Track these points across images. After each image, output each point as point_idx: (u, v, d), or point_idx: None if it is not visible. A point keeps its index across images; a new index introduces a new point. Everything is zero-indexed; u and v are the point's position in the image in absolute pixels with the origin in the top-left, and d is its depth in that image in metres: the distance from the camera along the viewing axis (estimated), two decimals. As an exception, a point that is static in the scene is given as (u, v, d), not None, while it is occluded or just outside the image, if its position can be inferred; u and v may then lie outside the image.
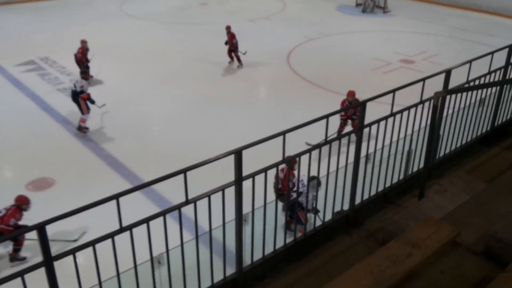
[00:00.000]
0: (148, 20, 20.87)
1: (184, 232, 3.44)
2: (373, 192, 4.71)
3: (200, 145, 10.08)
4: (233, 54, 15.37)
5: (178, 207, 3.27)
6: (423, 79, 4.51)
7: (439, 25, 20.46)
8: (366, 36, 18.88)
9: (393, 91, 4.25)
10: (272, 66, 15.71)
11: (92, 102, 11.22)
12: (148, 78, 14.32)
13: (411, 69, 15.14)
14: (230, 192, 3.48)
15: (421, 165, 4.77)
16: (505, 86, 5.64)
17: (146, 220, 3.18)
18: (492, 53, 5.36)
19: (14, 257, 7.20)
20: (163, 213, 3.23)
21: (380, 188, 4.77)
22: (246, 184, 3.53)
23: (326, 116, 3.79)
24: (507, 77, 5.58)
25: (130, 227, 3.09)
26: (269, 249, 4.04)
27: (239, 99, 12.98)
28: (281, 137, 3.58)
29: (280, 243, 4.07)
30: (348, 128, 10.39)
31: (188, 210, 3.35)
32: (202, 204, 3.39)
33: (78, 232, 7.21)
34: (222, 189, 3.45)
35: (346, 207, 4.51)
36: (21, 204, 7.22)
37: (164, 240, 3.34)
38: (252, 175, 3.55)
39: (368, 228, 4.47)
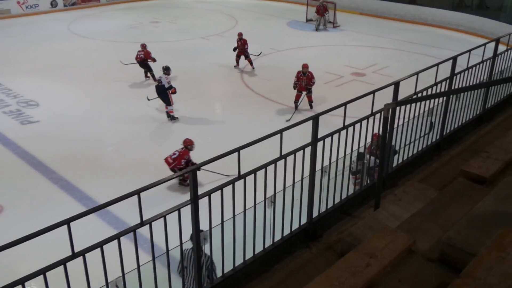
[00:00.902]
0: (98, 39, 20.56)
1: (142, 254, 3.35)
2: (330, 205, 4.74)
3: (155, 165, 9.93)
4: (246, 59, 16.45)
5: (133, 229, 3.18)
6: (373, 92, 4.60)
7: (387, 38, 21.11)
8: (317, 51, 19.25)
9: (345, 104, 4.31)
10: (226, 82, 15.76)
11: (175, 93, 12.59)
12: (99, 98, 14.07)
13: (362, 81, 15.50)
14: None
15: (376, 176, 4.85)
16: (451, 96, 5.84)
17: (100, 244, 3.07)
18: (437, 64, 5.54)
19: (182, 183, 9.14)
20: (117, 236, 3.13)
21: (337, 200, 4.81)
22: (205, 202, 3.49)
23: (280, 131, 3.80)
24: (452, 87, 5.78)
25: (83, 253, 2.98)
26: (228, 267, 3.99)
27: (193, 116, 12.91)
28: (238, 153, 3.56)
29: (239, 260, 4.03)
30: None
31: (145, 230, 3.27)
32: (160, 223, 3.32)
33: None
34: (178, 208, 3.38)
35: (304, 220, 4.52)
36: (188, 145, 9.36)
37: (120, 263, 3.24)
38: (208, 193, 3.50)
39: (326, 241, 4.48)
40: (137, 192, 3.11)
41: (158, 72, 14.26)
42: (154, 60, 15.48)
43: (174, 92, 12.53)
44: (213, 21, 24.37)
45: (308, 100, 13.25)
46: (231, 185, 3.63)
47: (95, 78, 15.76)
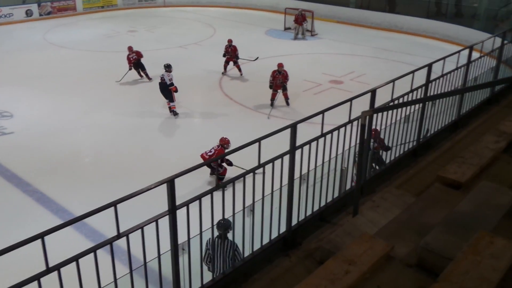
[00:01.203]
0: (74, 49, 20.35)
1: (120, 266, 3.30)
2: (309, 212, 4.74)
3: (132, 175, 9.83)
4: (234, 65, 16.83)
5: (110, 241, 3.13)
6: (350, 100, 4.63)
7: (364, 46, 21.35)
8: (295, 59, 19.35)
9: (322, 112, 4.33)
10: (205, 91, 15.73)
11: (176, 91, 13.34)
12: (76, 108, 13.90)
13: (340, 89, 15.63)
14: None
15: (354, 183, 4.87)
16: (427, 102, 5.92)
17: (75, 258, 3.01)
18: (413, 72, 5.61)
19: (218, 184, 8.26)
20: (93, 249, 3.08)
21: (316, 207, 4.82)
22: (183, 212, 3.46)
23: (258, 140, 3.80)
24: (428, 94, 5.85)
25: (57, 267, 2.92)
26: (207, 278, 3.95)
27: (171, 125, 12.85)
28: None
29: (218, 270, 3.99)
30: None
31: (123, 242, 3.22)
32: (138, 235, 3.27)
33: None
34: (156, 219, 3.34)
35: (283, 229, 4.51)
36: (224, 143, 9.31)
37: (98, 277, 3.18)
38: (186, 204, 3.47)
39: (306, 249, 4.48)
40: (114, 204, 3.06)
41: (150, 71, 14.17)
42: (141, 56, 16.46)
43: (175, 90, 13.26)
44: (191, 30, 24.34)
45: (284, 98, 14.09)
46: (209, 195, 3.61)
47: (71, 88, 15.57)
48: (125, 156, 11.06)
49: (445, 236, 3.55)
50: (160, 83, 13.40)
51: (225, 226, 4.99)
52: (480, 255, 3.03)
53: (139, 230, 3.26)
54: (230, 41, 17.01)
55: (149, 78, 16.38)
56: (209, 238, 4.54)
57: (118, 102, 14.41)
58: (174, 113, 13.38)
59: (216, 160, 8.64)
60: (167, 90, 13.26)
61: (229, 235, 5.08)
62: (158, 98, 13.86)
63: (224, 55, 17.01)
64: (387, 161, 5.66)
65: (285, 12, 24.98)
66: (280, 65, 13.90)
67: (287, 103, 14.09)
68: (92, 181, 9.86)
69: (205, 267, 3.98)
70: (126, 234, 3.19)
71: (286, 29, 24.40)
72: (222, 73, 17.22)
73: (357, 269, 3.35)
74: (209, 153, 9.30)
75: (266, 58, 19.12)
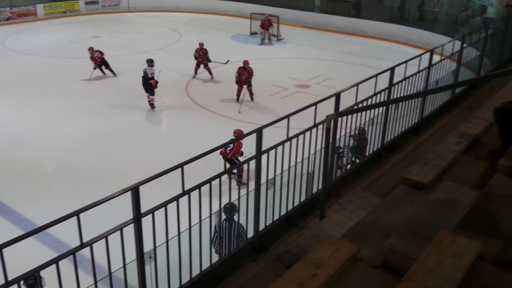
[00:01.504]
0: (36, 55, 19.91)
1: (85, 277, 3.23)
2: (276, 217, 4.75)
3: (96, 184, 9.65)
4: (205, 68, 17.16)
5: (72, 252, 3.06)
6: (315, 104, 4.66)
7: (329, 50, 21.62)
8: (262, 64, 19.42)
9: (288, 116, 4.34)
10: (171, 97, 15.61)
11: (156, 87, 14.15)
12: (38, 116, 13.58)
13: (306, 93, 15.76)
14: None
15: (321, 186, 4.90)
16: (390, 105, 6.02)
17: (37, 270, 2.93)
18: (376, 75, 5.69)
19: (239, 182, 9.07)
20: (55, 261, 2.99)
21: (283, 211, 4.83)
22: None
23: (224, 145, 3.78)
24: (391, 97, 5.96)
25: (17, 280, 2.83)
26: (175, 285, 3.90)
27: (137, 132, 12.70)
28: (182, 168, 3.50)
29: (186, 278, 3.95)
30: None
31: (87, 252, 3.15)
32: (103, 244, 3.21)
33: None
34: (120, 228, 3.28)
35: (251, 234, 4.50)
36: (239, 135, 9.34)
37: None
38: (152, 211, 3.42)
39: (274, 253, 4.48)
40: (76, 213, 3.00)
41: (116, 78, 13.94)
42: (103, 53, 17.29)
43: (154, 84, 14.04)
44: (156, 35, 24.14)
45: (249, 93, 14.97)
46: (175, 202, 3.57)
47: (34, 95, 15.22)
48: (90, 164, 10.86)
49: (409, 237, 3.60)
50: (142, 77, 14.17)
51: (231, 209, 5.40)
52: (443, 254, 3.09)
53: (104, 239, 3.19)
54: (201, 44, 17.29)
55: (114, 74, 17.04)
56: (218, 221, 4.90)
57: (81, 109, 14.16)
58: (152, 106, 14.24)
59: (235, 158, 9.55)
60: (149, 83, 14.03)
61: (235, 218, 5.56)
62: (124, 104, 13.69)
63: (195, 58, 17.16)
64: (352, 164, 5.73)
65: (250, 17, 25.08)
66: (246, 62, 14.78)
67: (252, 99, 15.00)
68: (56, 190, 9.65)
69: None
70: (90, 243, 3.13)
71: (252, 34, 24.50)
72: (193, 76, 17.36)
73: (325, 272, 3.37)
74: (228, 149, 9.67)
75: (232, 63, 19.14)
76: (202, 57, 17.13)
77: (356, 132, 6.29)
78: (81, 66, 18.38)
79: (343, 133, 5.40)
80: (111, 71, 17.21)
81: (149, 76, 14.05)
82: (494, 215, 3.69)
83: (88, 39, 22.86)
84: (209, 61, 17.19)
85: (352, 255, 3.57)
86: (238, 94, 14.89)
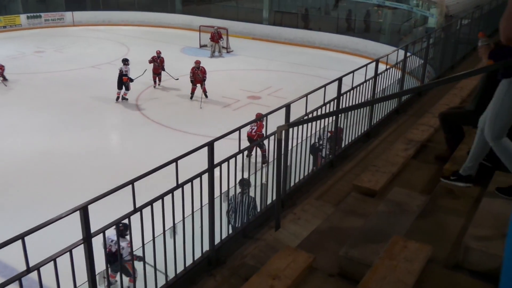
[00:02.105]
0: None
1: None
2: (232, 229, 4.72)
3: (43, 204, 9.30)
4: (157, 77, 17.70)
5: (18, 277, 2.92)
6: (266, 115, 4.68)
7: (279, 61, 21.87)
8: (213, 76, 19.37)
9: (239, 128, 4.34)
10: (121, 112, 15.33)
11: (131, 81, 16.04)
12: (-20, 134, 13.00)
13: (258, 104, 15.86)
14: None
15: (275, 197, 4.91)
16: (339, 115, 6.13)
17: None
18: (324, 86, 5.78)
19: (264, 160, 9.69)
20: (1, 287, 2.85)
21: (238, 223, 4.80)
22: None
23: (176, 160, 3.73)
24: (340, 107, 6.06)
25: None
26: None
27: (86, 149, 12.35)
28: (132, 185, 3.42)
29: (141, 298, 3.85)
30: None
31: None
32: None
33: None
34: (70, 249, 3.16)
35: (206, 248, 4.45)
36: (261, 116, 9.48)
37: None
38: (102, 230, 3.32)
39: (230, 266, 4.43)
40: (21, 237, 2.86)
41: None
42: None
43: (126, 81, 15.79)
44: (103, 49, 23.69)
45: (203, 91, 16.15)
46: (126, 220, 3.48)
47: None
48: (37, 183, 10.47)
49: (363, 244, 3.66)
50: (119, 75, 15.87)
51: (245, 184, 5.79)
52: (395, 259, 3.15)
53: (52, 262, 3.06)
54: (159, 52, 17.95)
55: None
56: (233, 194, 5.56)
57: (26, 127, 13.66)
58: (124, 98, 15.97)
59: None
60: (122, 80, 15.80)
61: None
62: (72, 121, 13.30)
63: (159, 66, 17.58)
64: (306, 173, 5.78)
65: (199, 30, 25.06)
66: (198, 62, 16.22)
67: (206, 96, 16.24)
68: (1, 213, 9.22)
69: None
70: (37, 267, 2.99)
71: (201, 46, 24.47)
72: (154, 87, 17.76)
73: (282, 283, 3.37)
74: (253, 131, 10.75)
75: (183, 76, 19.03)
76: (158, 64, 17.61)
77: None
78: (24, 82, 17.81)
79: (295, 143, 5.44)
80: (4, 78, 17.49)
81: (123, 73, 15.76)
82: (442, 218, 3.80)
83: (31, 54, 22.18)
84: (163, 69, 17.65)
85: (308, 264, 3.58)
86: (192, 93, 16.16)
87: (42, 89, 16.97)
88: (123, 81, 15.82)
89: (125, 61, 16.16)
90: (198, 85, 16.21)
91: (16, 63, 20.59)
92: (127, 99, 16.09)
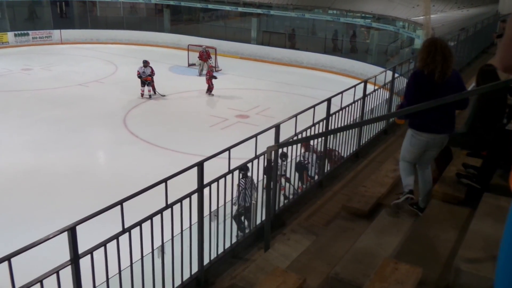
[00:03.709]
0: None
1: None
2: (220, 250, 4.67)
3: (33, 223, 9.15)
4: (149, 86, 18.40)
5: (3, 300, 2.85)
6: (255, 135, 4.68)
7: (267, 81, 21.99)
8: (201, 95, 19.44)
9: (228, 149, 4.33)
10: (108, 130, 15.25)
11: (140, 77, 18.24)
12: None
13: (246, 123, 15.88)
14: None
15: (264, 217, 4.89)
16: (328, 136, 6.15)
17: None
18: (314, 106, 5.81)
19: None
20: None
21: (227, 244, 4.76)
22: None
23: (165, 180, 3.70)
24: (329, 127, 6.09)
25: None
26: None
27: (73, 168, 12.20)
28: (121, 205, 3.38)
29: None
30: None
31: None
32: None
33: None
34: (57, 271, 3.10)
35: (195, 269, 4.40)
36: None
37: None
38: (90, 251, 3.27)
39: (219, 288, 4.39)
40: (8, 258, 2.81)
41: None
42: None
43: (148, 79, 18.13)
44: (91, 67, 23.61)
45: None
46: (115, 240, 3.43)
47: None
48: (23, 203, 10.31)
49: (353, 265, 3.64)
50: (138, 76, 18.10)
51: (244, 168, 5.62)
52: (386, 281, 3.13)
53: (39, 284, 3.00)
54: (148, 62, 18.59)
55: None
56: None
57: (10, 145, 13.50)
58: (150, 95, 18.26)
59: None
60: (143, 80, 18.01)
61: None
62: (59, 139, 13.17)
63: (139, 77, 18.20)
64: (295, 194, 5.77)
65: (188, 49, 25.16)
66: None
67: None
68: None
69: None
70: (24, 290, 2.93)
71: (190, 65, 24.52)
72: (151, 96, 18.50)
73: (271, 305, 3.33)
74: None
75: (171, 95, 19.06)
76: (149, 74, 18.28)
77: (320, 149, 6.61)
78: (11, 100, 17.67)
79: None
80: None
81: (141, 74, 18.02)
82: (432, 240, 3.81)
83: (18, 72, 22.02)
84: (152, 80, 18.45)
85: (298, 286, 3.55)
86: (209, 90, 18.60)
87: (29, 106, 16.83)
88: (147, 80, 17.94)
89: (145, 62, 18.19)
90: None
91: (3, 80, 20.45)
92: (150, 96, 18.19)
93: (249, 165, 4.67)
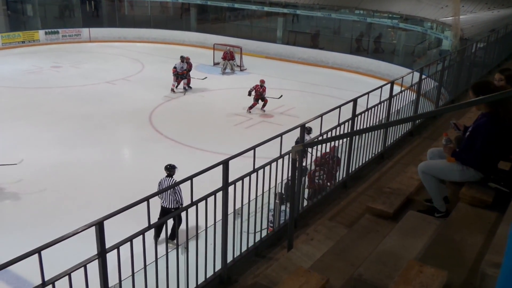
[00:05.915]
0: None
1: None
2: (244, 248, 4.70)
3: (60, 216, 9.36)
4: (186, 78, 19.33)
5: (33, 291, 2.93)
6: (281, 135, 4.69)
7: (292, 80, 21.93)
8: (226, 93, 19.54)
9: (253, 148, 4.34)
10: (134, 127, 15.44)
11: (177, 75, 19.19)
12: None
13: (270, 122, 15.90)
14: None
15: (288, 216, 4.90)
16: (353, 136, 6.11)
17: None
18: (339, 106, 5.79)
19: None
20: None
21: (251, 243, 4.78)
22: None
23: (191, 177, 3.74)
24: (354, 128, 6.06)
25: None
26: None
27: (101, 163, 12.43)
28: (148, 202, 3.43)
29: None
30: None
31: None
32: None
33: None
34: (84, 264, 3.17)
35: (218, 266, 4.43)
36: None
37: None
38: (117, 246, 3.33)
39: (242, 285, 4.41)
40: (38, 251, 2.88)
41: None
42: None
43: (185, 73, 19.24)
44: (118, 65, 23.95)
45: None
46: (141, 236, 3.49)
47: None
48: (51, 196, 10.54)
49: (377, 267, 3.62)
50: (174, 73, 18.93)
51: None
52: (411, 284, 3.11)
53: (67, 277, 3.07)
54: (188, 58, 19.52)
55: None
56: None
57: (41, 140, 13.80)
58: (185, 88, 19.30)
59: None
60: (179, 74, 19.00)
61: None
62: (86, 135, 13.39)
63: (175, 74, 18.96)
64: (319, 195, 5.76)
65: (213, 48, 25.29)
66: (262, 81, 17.56)
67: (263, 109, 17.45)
68: (15, 225, 9.27)
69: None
70: (52, 282, 3.00)
71: (215, 64, 24.65)
72: (182, 91, 19.25)
73: (294, 304, 3.34)
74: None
75: (196, 93, 19.21)
76: (187, 68, 19.15)
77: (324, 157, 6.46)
78: (40, 96, 18.04)
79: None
80: None
81: (179, 69, 18.86)
82: (458, 243, 3.76)
83: (48, 69, 22.48)
84: (189, 72, 19.35)
85: (321, 286, 3.55)
86: (251, 107, 17.33)
87: (58, 103, 17.16)
88: (183, 74, 18.94)
89: (182, 58, 19.14)
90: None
91: (33, 77, 20.90)
92: (186, 90, 19.22)
93: (274, 164, 4.68)
